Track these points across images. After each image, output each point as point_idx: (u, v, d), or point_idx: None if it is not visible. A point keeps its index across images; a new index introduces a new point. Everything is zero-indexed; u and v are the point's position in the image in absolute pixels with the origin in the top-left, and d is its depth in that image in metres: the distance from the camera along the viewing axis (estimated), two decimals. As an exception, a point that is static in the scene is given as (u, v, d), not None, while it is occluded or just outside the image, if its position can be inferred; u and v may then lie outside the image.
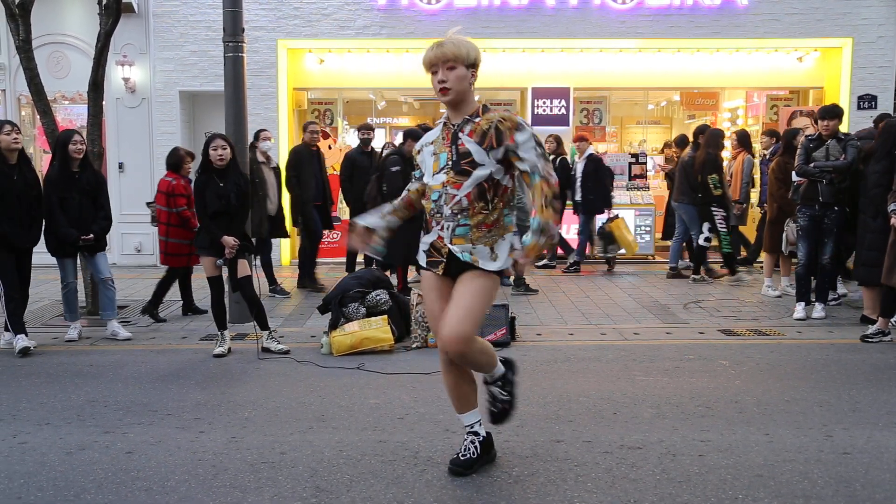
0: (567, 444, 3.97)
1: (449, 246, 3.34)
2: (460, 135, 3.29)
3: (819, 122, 6.99)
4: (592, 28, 10.78)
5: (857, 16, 10.76)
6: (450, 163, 3.28)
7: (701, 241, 9.08)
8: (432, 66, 3.26)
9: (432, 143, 3.42)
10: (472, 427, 3.61)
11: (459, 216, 3.29)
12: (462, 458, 3.58)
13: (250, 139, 7.67)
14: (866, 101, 10.83)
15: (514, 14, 10.74)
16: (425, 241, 3.46)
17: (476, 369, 3.51)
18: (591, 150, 10.00)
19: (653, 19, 10.76)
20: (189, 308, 7.64)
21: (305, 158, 8.65)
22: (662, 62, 11.47)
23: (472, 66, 3.28)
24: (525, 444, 3.97)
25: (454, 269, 3.36)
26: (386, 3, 10.65)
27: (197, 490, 3.45)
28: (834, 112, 6.91)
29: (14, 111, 10.90)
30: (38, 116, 7.58)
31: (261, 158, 8.21)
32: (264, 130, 8.53)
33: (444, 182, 3.30)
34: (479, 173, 3.24)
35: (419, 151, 3.49)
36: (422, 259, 3.50)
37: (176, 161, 7.42)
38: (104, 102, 7.87)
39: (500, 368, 3.60)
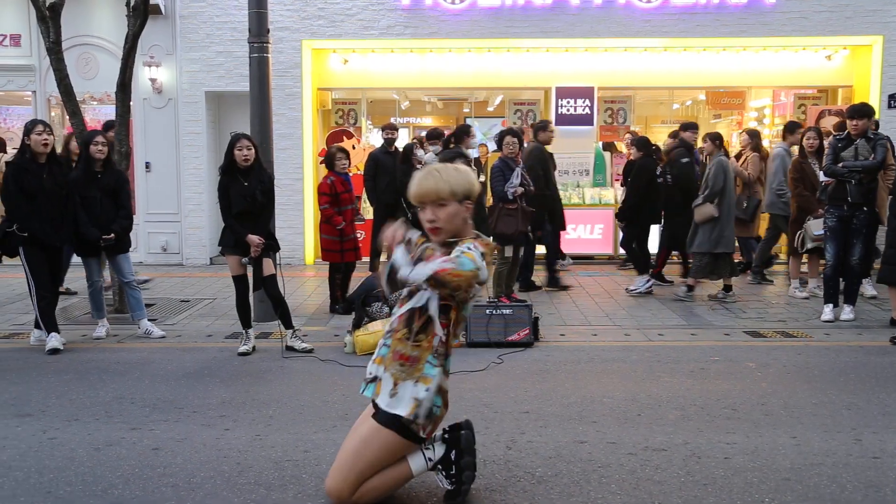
0: (591, 445, 3.95)
1: (369, 364, 3.21)
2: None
3: (848, 121, 6.90)
4: (617, 27, 10.71)
5: (888, 13, 10.56)
6: None
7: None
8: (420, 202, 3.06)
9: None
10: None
11: (388, 335, 3.16)
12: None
13: (274, 138, 7.70)
14: (896, 100, 10.64)
15: (538, 13, 10.69)
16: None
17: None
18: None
19: (678, 18, 10.66)
20: (336, 304, 7.68)
21: (549, 158, 8.38)
22: (688, 61, 11.35)
23: (466, 199, 3.05)
24: (549, 445, 3.95)
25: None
26: (410, 2, 10.66)
27: (222, 487, 3.48)
28: (863, 111, 6.81)
29: (44, 112, 11.07)
30: (68, 117, 7.70)
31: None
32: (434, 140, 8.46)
33: (400, 297, 3.17)
34: (415, 299, 3.09)
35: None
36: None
37: (327, 159, 7.71)
38: (131, 103, 7.97)
39: (432, 454, 3.18)
